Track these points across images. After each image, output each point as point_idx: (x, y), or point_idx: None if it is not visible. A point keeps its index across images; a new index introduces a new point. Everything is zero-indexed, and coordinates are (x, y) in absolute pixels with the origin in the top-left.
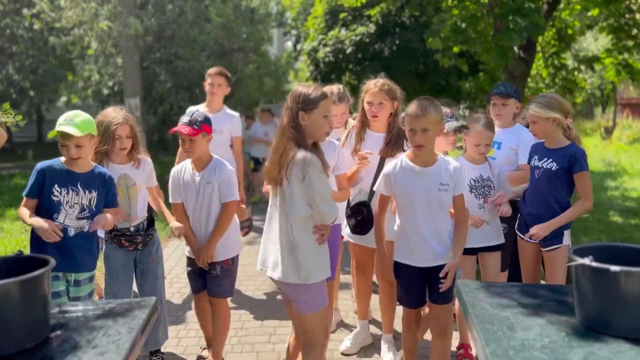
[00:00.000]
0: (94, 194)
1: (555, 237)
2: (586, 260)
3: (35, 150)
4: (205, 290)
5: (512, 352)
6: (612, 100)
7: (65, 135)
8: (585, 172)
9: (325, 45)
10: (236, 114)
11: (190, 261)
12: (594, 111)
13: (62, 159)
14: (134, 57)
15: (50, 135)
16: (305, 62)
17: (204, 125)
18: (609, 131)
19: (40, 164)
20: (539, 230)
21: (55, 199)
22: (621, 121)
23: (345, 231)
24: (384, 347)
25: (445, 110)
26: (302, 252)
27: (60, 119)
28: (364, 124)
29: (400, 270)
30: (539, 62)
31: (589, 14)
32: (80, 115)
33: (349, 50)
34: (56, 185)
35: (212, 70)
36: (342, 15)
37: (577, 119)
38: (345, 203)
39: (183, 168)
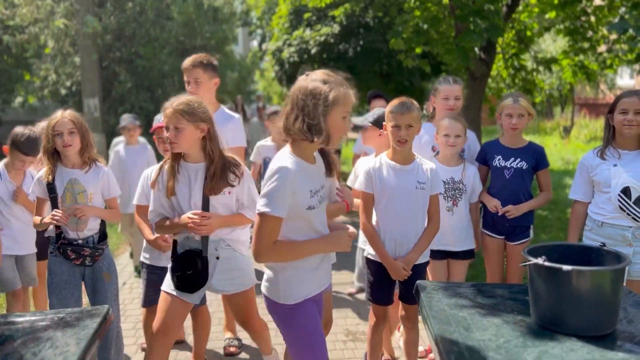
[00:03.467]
0: None
1: (521, 232)
2: (539, 260)
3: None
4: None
5: (468, 354)
6: (570, 101)
7: None
8: (548, 167)
9: (290, 45)
10: (236, 115)
11: (151, 269)
12: (553, 111)
13: None
14: (92, 56)
15: None
16: (270, 62)
17: None
18: (567, 130)
19: None
20: (513, 209)
21: None
22: (579, 120)
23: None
24: None
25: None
26: None
27: None
28: None
29: (372, 266)
30: (499, 63)
31: (547, 16)
32: None
33: (313, 51)
34: None
35: (185, 64)
36: (306, 15)
37: (537, 119)
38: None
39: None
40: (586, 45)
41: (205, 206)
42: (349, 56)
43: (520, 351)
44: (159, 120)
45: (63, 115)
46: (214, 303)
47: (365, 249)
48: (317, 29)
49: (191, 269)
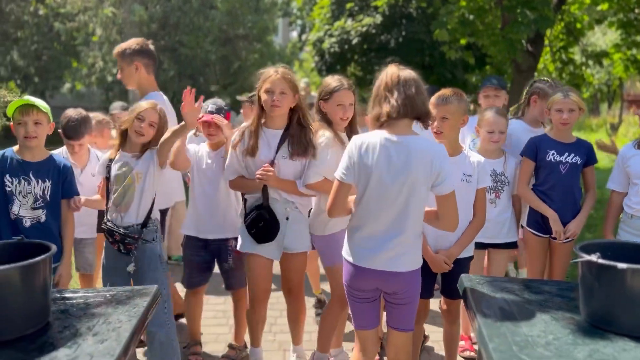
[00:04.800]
0: (48, 183)
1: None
2: (593, 257)
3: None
4: (200, 286)
5: (516, 348)
6: (619, 97)
7: (26, 108)
8: (595, 164)
9: (331, 35)
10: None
11: (197, 250)
12: (599, 107)
13: (15, 148)
14: None
15: (10, 110)
16: (310, 53)
17: (227, 113)
18: (614, 128)
19: None
20: (575, 229)
21: (8, 189)
22: (627, 117)
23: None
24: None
25: None
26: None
27: (15, 100)
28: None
29: None
30: (546, 56)
31: (598, 8)
32: (31, 97)
33: (354, 41)
34: (7, 175)
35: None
36: (348, 5)
37: (583, 115)
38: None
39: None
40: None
41: (276, 168)
42: (390, 47)
43: (571, 349)
44: (207, 109)
45: (154, 107)
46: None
47: None
48: (359, 19)
49: (261, 220)
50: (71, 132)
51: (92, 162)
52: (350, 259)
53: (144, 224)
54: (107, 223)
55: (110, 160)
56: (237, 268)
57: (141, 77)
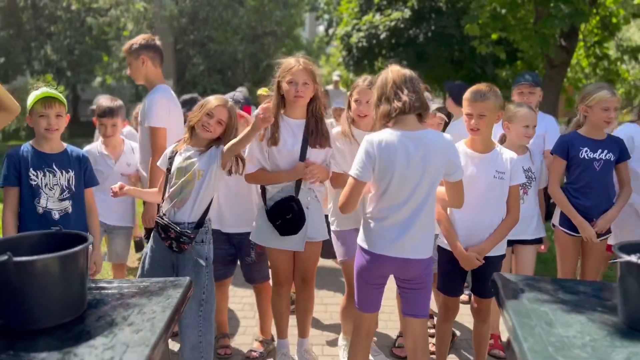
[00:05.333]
0: (71, 173)
1: None
2: (633, 258)
3: (70, 129)
4: (226, 279)
5: (552, 349)
6: None
7: (48, 101)
8: (628, 159)
9: (359, 30)
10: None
11: (221, 243)
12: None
13: (32, 141)
14: (168, 39)
15: (31, 103)
16: (337, 47)
17: (245, 107)
18: None
19: (10, 150)
20: (604, 224)
21: (33, 183)
22: None
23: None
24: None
25: (426, 94)
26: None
27: (36, 92)
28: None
29: (443, 256)
30: (579, 51)
31: (635, 2)
32: (51, 89)
33: (382, 36)
34: (31, 169)
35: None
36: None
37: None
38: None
39: None
40: None
41: (303, 157)
42: (419, 42)
43: (609, 351)
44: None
45: (225, 104)
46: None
47: (439, 238)
48: (387, 14)
49: (290, 212)
50: (106, 111)
51: (126, 152)
52: (368, 247)
53: (199, 224)
54: (163, 218)
55: (174, 153)
56: (259, 262)
57: (148, 70)
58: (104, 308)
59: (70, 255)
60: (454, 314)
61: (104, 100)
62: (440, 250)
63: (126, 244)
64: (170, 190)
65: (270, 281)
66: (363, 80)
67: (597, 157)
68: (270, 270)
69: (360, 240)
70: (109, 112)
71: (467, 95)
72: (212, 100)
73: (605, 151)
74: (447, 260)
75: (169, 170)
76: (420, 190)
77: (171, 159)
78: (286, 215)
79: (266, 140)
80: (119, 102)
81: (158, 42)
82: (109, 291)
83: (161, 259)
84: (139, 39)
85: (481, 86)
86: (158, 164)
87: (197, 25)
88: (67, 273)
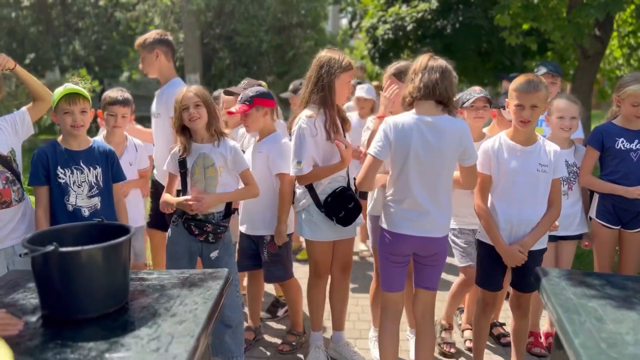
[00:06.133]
0: (99, 169)
1: None
2: None
3: (97, 123)
4: (252, 270)
5: (605, 346)
6: None
7: (73, 97)
8: None
9: (385, 22)
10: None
11: (242, 237)
12: None
13: (59, 138)
14: (195, 33)
15: (55, 101)
16: (362, 40)
17: (256, 100)
18: None
19: (38, 149)
20: None
21: (62, 181)
22: None
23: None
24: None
25: (475, 88)
26: None
27: (60, 89)
28: None
29: (484, 250)
30: (613, 42)
31: None
32: (79, 85)
33: (409, 28)
34: (59, 167)
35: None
36: None
37: None
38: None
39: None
40: None
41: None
42: (446, 33)
43: None
44: (240, 100)
45: (188, 90)
46: None
47: (479, 231)
48: (414, 5)
49: (351, 201)
50: (117, 100)
51: (129, 150)
52: (390, 228)
53: (227, 213)
54: (195, 216)
55: (182, 155)
56: (273, 262)
57: (162, 64)
58: (146, 299)
59: (113, 246)
60: (492, 309)
61: (112, 91)
62: (480, 244)
63: (142, 243)
64: (193, 189)
65: (292, 278)
66: (390, 67)
67: (634, 148)
68: (309, 265)
69: (382, 221)
70: (120, 101)
71: (517, 86)
72: (177, 96)
73: None
74: (487, 254)
75: (183, 172)
76: (435, 173)
77: (182, 162)
78: (348, 205)
79: (322, 135)
80: (129, 95)
81: (170, 37)
82: (150, 282)
83: (187, 250)
84: (153, 34)
85: (530, 76)
86: (168, 169)
87: (223, 19)
88: (111, 263)
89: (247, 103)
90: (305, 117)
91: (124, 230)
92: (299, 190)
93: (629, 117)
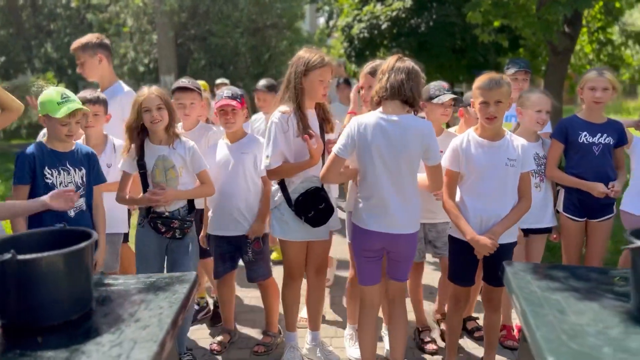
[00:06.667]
0: (84, 171)
1: (606, 209)
2: None
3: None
4: (226, 274)
5: (565, 337)
6: None
7: (74, 112)
8: (626, 144)
9: (360, 21)
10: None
11: (220, 242)
12: (637, 89)
13: (44, 139)
14: (169, 34)
15: (52, 112)
16: (338, 39)
17: (242, 99)
18: None
19: (26, 149)
20: (618, 187)
21: (49, 181)
22: None
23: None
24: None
25: (442, 84)
26: None
27: (57, 98)
28: None
29: (455, 246)
30: (583, 37)
31: None
32: (68, 91)
33: (384, 26)
34: (46, 167)
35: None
36: None
37: (619, 98)
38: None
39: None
40: None
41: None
42: (420, 31)
43: (623, 337)
44: (223, 95)
45: (150, 92)
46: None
47: (450, 227)
48: (388, 4)
49: (322, 202)
50: (86, 98)
51: (107, 152)
52: (360, 224)
53: (191, 207)
54: (162, 214)
55: (140, 155)
56: (257, 260)
57: (104, 68)
58: (110, 305)
59: (75, 252)
60: (465, 304)
61: (83, 92)
62: (451, 239)
63: (114, 251)
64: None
65: (271, 277)
66: (366, 66)
67: (595, 142)
68: (282, 265)
69: (353, 218)
70: (89, 100)
71: (480, 84)
72: (139, 97)
73: (605, 135)
74: (458, 249)
75: (143, 173)
76: (400, 171)
77: (142, 164)
78: (319, 205)
79: (294, 132)
80: (100, 94)
81: (107, 41)
82: (115, 288)
83: (157, 248)
84: (92, 38)
85: (492, 74)
86: (124, 168)
87: (198, 19)
88: (72, 270)
89: (238, 100)
90: (279, 112)
91: (86, 235)
92: (274, 187)
93: (589, 104)
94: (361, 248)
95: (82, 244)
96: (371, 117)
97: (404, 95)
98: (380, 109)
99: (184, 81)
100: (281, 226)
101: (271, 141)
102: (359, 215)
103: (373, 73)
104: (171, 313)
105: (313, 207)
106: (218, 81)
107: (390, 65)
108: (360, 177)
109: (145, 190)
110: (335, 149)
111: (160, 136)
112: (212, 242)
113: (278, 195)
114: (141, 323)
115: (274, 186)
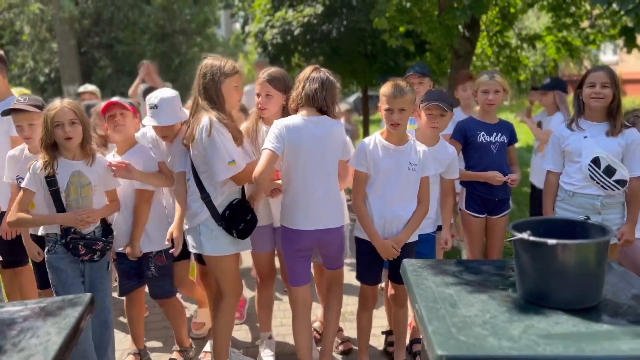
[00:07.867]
0: None
1: (504, 205)
2: (525, 235)
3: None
4: (135, 289)
5: (455, 330)
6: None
7: (22, 113)
8: (515, 142)
9: (273, 26)
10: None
11: (121, 258)
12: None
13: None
14: (70, 42)
15: None
16: (253, 44)
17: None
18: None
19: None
20: (516, 177)
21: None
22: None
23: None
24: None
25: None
26: None
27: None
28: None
29: (361, 246)
30: (484, 41)
31: None
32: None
33: (296, 32)
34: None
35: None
36: None
37: (522, 96)
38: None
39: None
40: (569, 21)
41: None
42: (332, 37)
43: (507, 326)
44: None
45: (63, 105)
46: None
47: (356, 228)
48: (299, 10)
49: (248, 213)
50: (22, 107)
51: None
52: (289, 225)
53: (107, 229)
54: (85, 236)
55: (48, 172)
56: (161, 276)
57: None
58: None
59: None
60: (373, 303)
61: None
62: (357, 240)
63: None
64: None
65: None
66: (262, 72)
67: (493, 140)
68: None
69: (282, 220)
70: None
71: (385, 91)
72: (49, 110)
73: (500, 134)
74: (365, 250)
75: (54, 192)
76: (325, 166)
77: (49, 178)
78: (246, 217)
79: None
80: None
81: (2, 52)
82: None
83: (73, 273)
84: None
85: (398, 81)
86: (27, 186)
87: (102, 26)
88: None
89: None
90: (214, 118)
91: None
92: (195, 204)
93: (483, 106)
94: (293, 249)
95: None
96: (296, 119)
97: (318, 104)
98: (301, 113)
99: (20, 100)
100: (211, 243)
101: (227, 145)
102: (288, 217)
103: (271, 81)
104: (59, 340)
105: (242, 219)
106: (81, 89)
107: (306, 74)
108: (287, 178)
109: (59, 211)
110: (269, 146)
111: (74, 151)
112: (116, 259)
113: (202, 211)
114: (25, 352)
115: (196, 202)
